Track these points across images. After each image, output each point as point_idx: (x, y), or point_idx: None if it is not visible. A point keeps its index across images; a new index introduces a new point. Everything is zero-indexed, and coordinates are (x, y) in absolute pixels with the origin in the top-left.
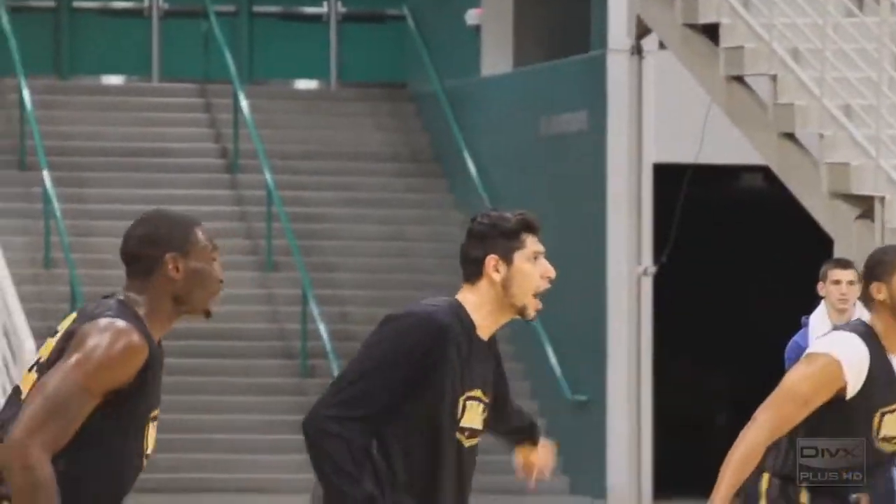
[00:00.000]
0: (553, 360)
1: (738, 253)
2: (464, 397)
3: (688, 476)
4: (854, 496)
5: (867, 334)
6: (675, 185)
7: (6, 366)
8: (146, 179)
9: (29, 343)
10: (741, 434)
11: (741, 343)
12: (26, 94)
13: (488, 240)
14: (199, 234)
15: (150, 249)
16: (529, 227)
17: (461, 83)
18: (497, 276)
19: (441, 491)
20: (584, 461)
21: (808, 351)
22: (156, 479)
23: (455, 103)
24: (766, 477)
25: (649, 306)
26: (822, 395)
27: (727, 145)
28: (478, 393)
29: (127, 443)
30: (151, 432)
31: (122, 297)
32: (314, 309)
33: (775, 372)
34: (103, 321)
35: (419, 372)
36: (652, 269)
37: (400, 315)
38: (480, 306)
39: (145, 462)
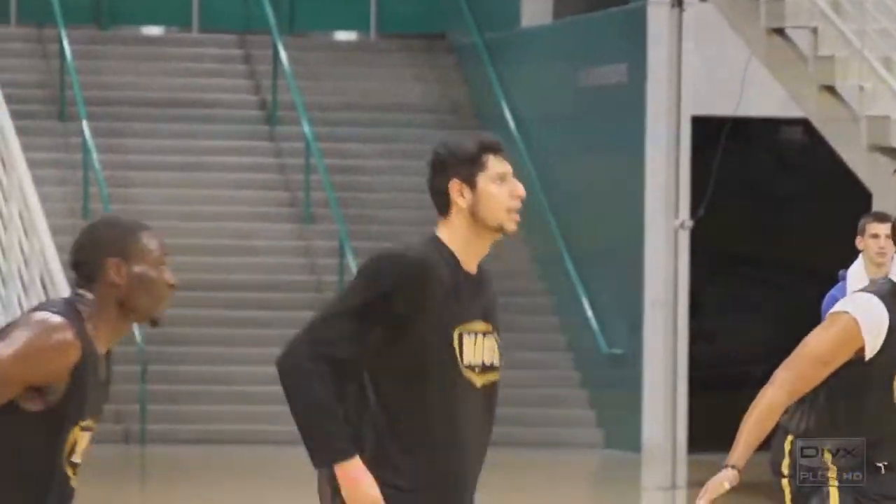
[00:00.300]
0: (589, 313)
1: (776, 206)
2: (458, 332)
3: (723, 430)
4: (881, 464)
5: (890, 293)
6: (713, 138)
7: None
8: (185, 130)
9: (66, 294)
10: (760, 393)
11: (778, 297)
12: (66, 44)
13: (449, 167)
14: (145, 239)
15: (93, 255)
16: (490, 148)
17: (501, 34)
18: (463, 202)
19: (453, 434)
20: (620, 415)
21: (829, 312)
22: (195, 430)
23: (494, 55)
24: (789, 438)
25: (686, 260)
26: (840, 356)
27: (767, 98)
28: (478, 326)
29: (48, 447)
30: (82, 442)
31: (71, 297)
32: (351, 261)
33: (812, 326)
34: (40, 314)
35: (398, 313)
36: (689, 223)
37: (373, 257)
38: (456, 237)
39: (71, 471)
